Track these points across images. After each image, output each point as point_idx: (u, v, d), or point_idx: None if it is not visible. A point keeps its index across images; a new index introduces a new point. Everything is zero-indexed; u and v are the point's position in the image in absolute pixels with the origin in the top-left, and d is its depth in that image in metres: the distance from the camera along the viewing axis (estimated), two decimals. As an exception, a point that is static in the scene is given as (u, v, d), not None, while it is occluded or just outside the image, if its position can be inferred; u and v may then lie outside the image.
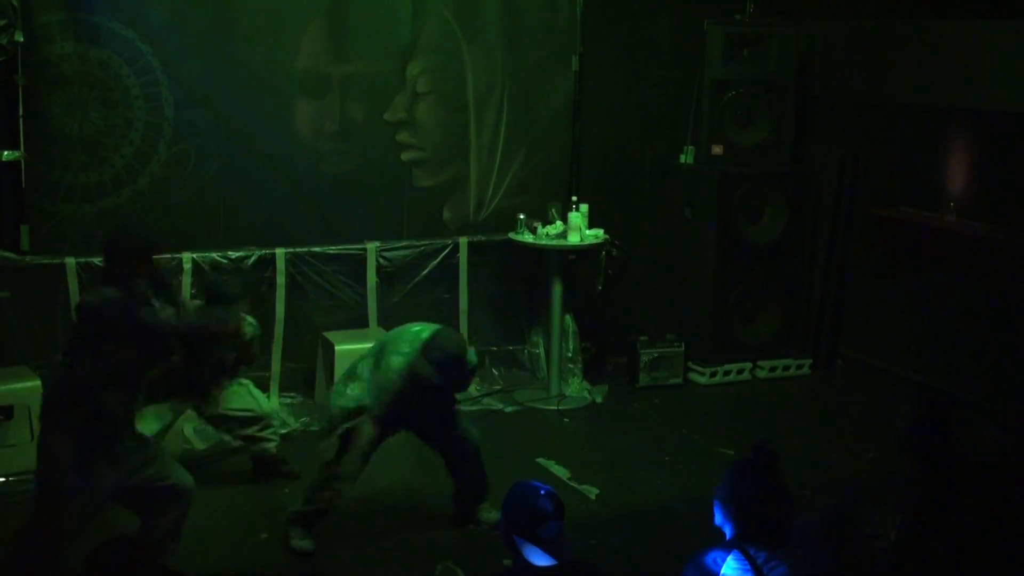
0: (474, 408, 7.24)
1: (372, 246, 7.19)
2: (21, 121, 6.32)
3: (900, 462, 4.49)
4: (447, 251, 7.37)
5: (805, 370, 8.10)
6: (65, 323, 6.53)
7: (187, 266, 6.74)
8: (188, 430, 6.54)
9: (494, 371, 7.68)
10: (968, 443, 4.80)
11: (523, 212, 7.42)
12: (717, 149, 7.71)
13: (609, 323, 7.94)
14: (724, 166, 7.70)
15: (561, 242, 7.26)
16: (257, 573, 5.11)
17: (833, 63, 8.01)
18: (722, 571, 3.21)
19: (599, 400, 7.44)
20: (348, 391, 5.27)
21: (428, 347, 5.17)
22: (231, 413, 5.94)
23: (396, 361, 5.20)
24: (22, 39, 6.19)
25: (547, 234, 7.32)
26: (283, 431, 6.69)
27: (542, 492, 3.50)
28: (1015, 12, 6.61)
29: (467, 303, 7.52)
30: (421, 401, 5.28)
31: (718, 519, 3.39)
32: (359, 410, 5.20)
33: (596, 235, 7.32)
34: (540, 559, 3.40)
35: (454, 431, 5.50)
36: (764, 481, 3.32)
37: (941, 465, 4.22)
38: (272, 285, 6.97)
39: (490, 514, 5.48)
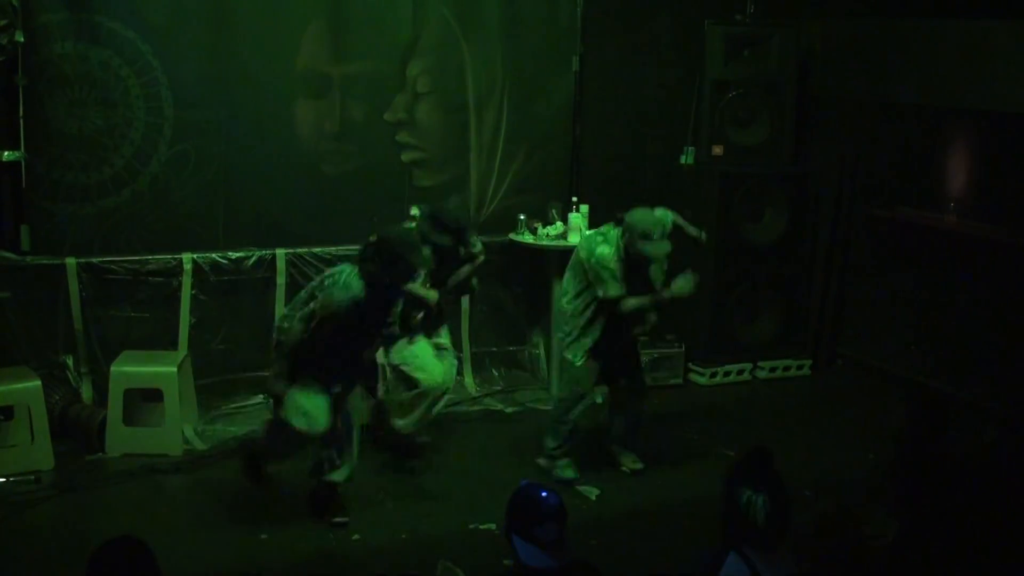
0: (474, 408, 7.25)
1: (372, 246, 7.18)
2: (21, 121, 6.33)
3: (894, 464, 4.49)
4: (447, 251, 7.37)
5: (805, 370, 8.10)
6: (66, 323, 6.56)
7: (187, 266, 6.74)
8: (188, 431, 6.54)
9: (494, 371, 7.68)
10: (966, 443, 4.80)
11: (523, 212, 7.43)
12: (717, 149, 7.71)
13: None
14: (724, 166, 7.70)
15: (561, 242, 7.26)
16: (257, 573, 5.11)
17: (833, 63, 8.01)
18: (721, 573, 3.21)
19: (599, 400, 7.42)
20: None
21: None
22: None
23: None
24: (22, 39, 6.19)
25: (547, 234, 7.32)
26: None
27: (544, 494, 3.50)
28: (1015, 12, 6.61)
29: (468, 303, 7.52)
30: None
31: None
32: None
33: (596, 236, 7.31)
34: (541, 560, 3.40)
35: None
36: (761, 481, 3.32)
37: (934, 466, 4.22)
38: (272, 286, 6.97)
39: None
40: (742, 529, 3.26)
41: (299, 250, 7.02)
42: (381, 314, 5.37)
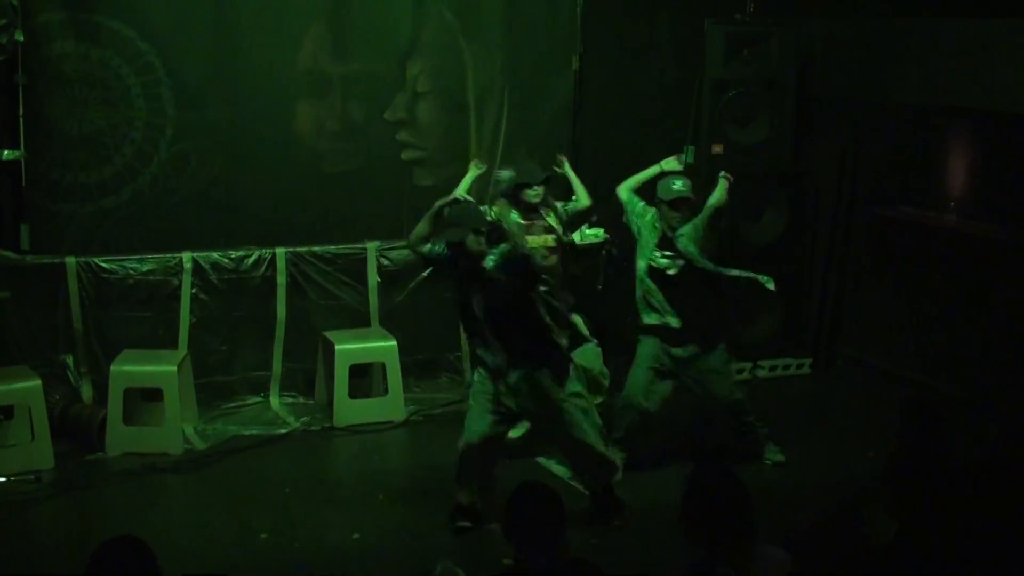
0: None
1: (372, 245, 7.19)
2: (21, 121, 6.34)
3: (892, 470, 4.48)
4: (447, 251, 7.36)
5: (805, 370, 8.10)
6: (65, 323, 6.56)
7: (187, 266, 6.74)
8: (188, 430, 6.54)
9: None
10: (967, 443, 4.79)
11: (523, 212, 7.41)
12: (717, 148, 7.70)
13: (609, 323, 7.92)
14: (724, 165, 7.69)
15: (561, 242, 7.24)
16: (257, 573, 5.11)
17: (833, 63, 8.00)
18: None
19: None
20: None
21: None
22: None
23: None
24: (22, 39, 6.20)
25: (547, 234, 7.30)
26: (283, 431, 6.71)
27: (544, 493, 3.51)
28: (1015, 12, 6.61)
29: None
30: None
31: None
32: None
33: (596, 235, 7.30)
34: (540, 559, 3.40)
35: None
36: (717, 486, 3.29)
37: (933, 469, 4.21)
38: (273, 285, 6.97)
39: None
40: (713, 532, 3.24)
41: (299, 249, 7.03)
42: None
